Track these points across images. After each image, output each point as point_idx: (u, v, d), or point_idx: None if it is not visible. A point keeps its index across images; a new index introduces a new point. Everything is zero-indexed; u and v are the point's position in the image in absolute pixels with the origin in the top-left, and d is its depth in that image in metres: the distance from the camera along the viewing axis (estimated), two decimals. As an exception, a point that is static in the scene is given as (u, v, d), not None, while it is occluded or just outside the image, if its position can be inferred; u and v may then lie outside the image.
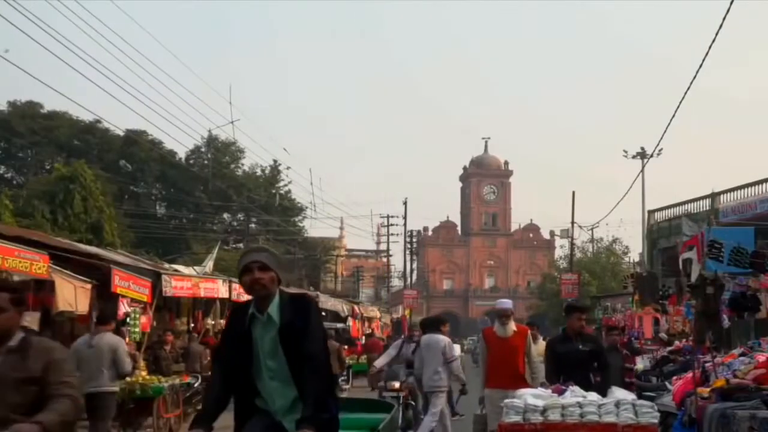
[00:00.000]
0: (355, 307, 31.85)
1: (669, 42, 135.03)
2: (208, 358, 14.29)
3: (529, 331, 8.95)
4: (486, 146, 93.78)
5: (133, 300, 12.52)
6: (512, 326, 8.59)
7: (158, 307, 14.28)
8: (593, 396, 6.32)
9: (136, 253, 24.51)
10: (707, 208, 31.89)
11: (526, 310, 72.19)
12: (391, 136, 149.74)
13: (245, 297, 15.32)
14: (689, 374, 9.20)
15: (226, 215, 56.74)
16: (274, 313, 3.74)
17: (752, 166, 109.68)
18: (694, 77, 17.09)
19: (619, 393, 6.68)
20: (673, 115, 27.31)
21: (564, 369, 7.53)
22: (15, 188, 42.91)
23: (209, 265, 20.69)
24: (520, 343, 8.56)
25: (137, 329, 12.97)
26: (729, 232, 17.84)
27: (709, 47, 13.56)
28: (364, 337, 30.11)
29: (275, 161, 54.94)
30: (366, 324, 33.82)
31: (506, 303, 8.99)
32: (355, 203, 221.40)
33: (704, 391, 9.28)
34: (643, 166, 40.14)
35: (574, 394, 6.33)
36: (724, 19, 12.36)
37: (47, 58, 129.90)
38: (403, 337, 14.13)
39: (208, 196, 51.11)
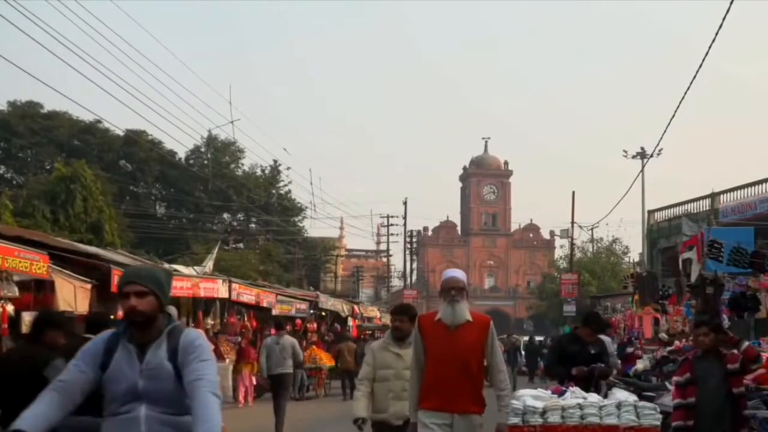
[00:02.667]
0: (355, 307, 31.85)
1: (669, 42, 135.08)
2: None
3: (491, 323, 5.46)
4: (486, 146, 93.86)
5: (133, 300, 12.50)
6: (464, 312, 5.27)
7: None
8: (594, 397, 6.29)
9: (136, 253, 24.51)
10: (707, 208, 31.88)
11: (526, 310, 72.22)
12: (390, 135, 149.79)
13: (246, 297, 15.22)
14: (689, 374, 9.17)
15: (226, 215, 56.72)
16: None
17: (752, 166, 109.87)
18: (694, 77, 17.11)
19: (620, 394, 6.67)
20: (673, 116, 27.13)
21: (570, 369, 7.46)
22: (15, 188, 42.92)
23: (209, 265, 20.67)
24: (477, 340, 5.28)
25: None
26: (729, 232, 17.87)
27: (709, 47, 13.57)
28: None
29: (275, 161, 54.99)
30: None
31: (456, 272, 5.55)
32: (355, 203, 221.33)
33: (704, 391, 9.26)
34: (643, 166, 40.16)
35: (574, 395, 6.30)
36: (724, 18, 12.37)
37: (47, 58, 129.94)
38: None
39: (208, 196, 51.09)
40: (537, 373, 27.47)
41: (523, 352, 32.39)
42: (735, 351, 6.77)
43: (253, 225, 53.44)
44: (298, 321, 23.28)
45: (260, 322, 20.51)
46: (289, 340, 13.73)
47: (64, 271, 10.50)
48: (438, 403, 5.22)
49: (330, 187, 56.56)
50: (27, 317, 9.79)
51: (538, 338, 34.32)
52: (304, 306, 23.94)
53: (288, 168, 55.25)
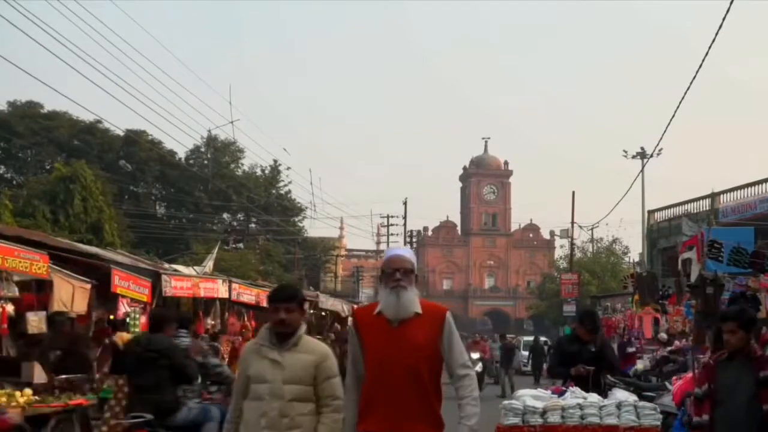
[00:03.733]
0: (355, 308, 31.75)
1: (669, 42, 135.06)
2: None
3: (448, 315, 4.16)
4: (486, 146, 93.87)
5: (132, 300, 12.51)
6: (412, 302, 4.04)
7: (158, 307, 14.29)
8: (594, 397, 6.29)
9: (136, 253, 24.47)
10: (707, 208, 31.89)
11: (526, 310, 72.21)
12: (390, 135, 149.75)
13: (246, 297, 15.23)
14: (689, 374, 9.20)
15: (226, 215, 56.74)
16: None
17: (752, 166, 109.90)
18: (694, 77, 17.14)
19: (620, 394, 6.66)
20: (673, 116, 27.36)
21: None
22: (15, 188, 42.91)
23: (209, 265, 20.64)
24: (429, 337, 4.04)
25: (137, 329, 12.96)
26: (729, 232, 17.86)
27: (709, 47, 13.58)
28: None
29: (275, 161, 55.05)
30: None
31: (401, 251, 4.37)
32: (355, 203, 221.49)
33: (704, 391, 9.25)
34: (643, 167, 40.18)
35: (574, 395, 6.29)
36: (724, 18, 12.37)
37: (47, 58, 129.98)
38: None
39: (208, 196, 51.11)
40: (542, 374, 27.51)
41: (524, 353, 32.42)
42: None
43: (253, 225, 53.39)
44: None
45: (258, 322, 20.52)
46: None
47: (63, 270, 10.49)
48: (378, 424, 3.97)
49: (330, 187, 56.84)
50: (32, 317, 9.82)
51: (542, 338, 34.19)
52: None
53: (288, 168, 55.42)
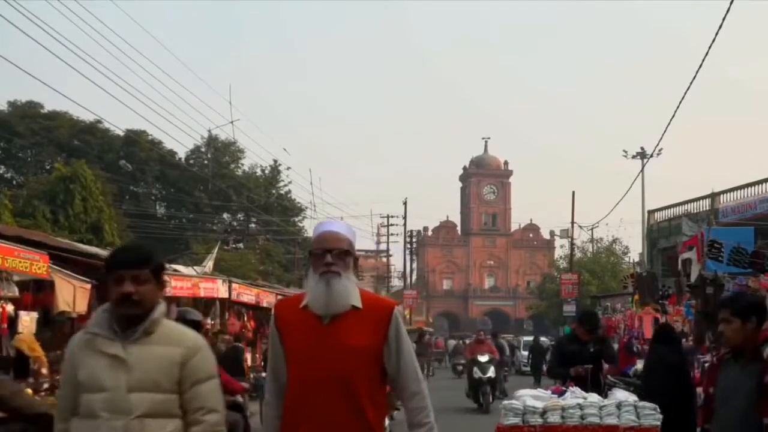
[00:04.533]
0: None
1: (669, 42, 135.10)
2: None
3: (396, 311, 3.22)
4: (486, 146, 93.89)
5: (133, 300, 12.55)
6: (348, 292, 3.13)
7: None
8: (594, 397, 6.30)
9: (136, 253, 24.45)
10: (707, 208, 31.90)
11: (526, 310, 72.23)
12: (390, 135, 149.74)
13: (246, 297, 15.14)
14: (689, 375, 9.16)
15: (226, 215, 56.75)
16: None
17: (752, 166, 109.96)
18: (694, 77, 17.15)
19: (620, 394, 6.67)
20: (673, 116, 27.38)
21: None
22: (15, 188, 42.93)
23: (209, 265, 20.66)
24: (369, 338, 3.14)
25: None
26: (729, 232, 17.86)
27: (709, 47, 13.59)
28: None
29: (275, 161, 55.07)
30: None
31: (334, 225, 3.35)
32: (355, 203, 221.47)
33: (704, 391, 9.25)
34: (643, 167, 40.17)
35: (574, 395, 6.30)
36: (724, 18, 12.38)
37: (47, 58, 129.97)
38: None
39: (208, 196, 51.14)
40: (542, 374, 27.47)
41: (524, 353, 32.40)
42: None
43: (253, 225, 53.41)
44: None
45: (258, 323, 20.54)
46: None
47: (64, 270, 10.51)
48: None
49: (330, 187, 56.78)
50: (25, 317, 9.81)
51: (543, 338, 34.10)
52: (304, 306, 23.92)
53: (288, 168, 55.39)
